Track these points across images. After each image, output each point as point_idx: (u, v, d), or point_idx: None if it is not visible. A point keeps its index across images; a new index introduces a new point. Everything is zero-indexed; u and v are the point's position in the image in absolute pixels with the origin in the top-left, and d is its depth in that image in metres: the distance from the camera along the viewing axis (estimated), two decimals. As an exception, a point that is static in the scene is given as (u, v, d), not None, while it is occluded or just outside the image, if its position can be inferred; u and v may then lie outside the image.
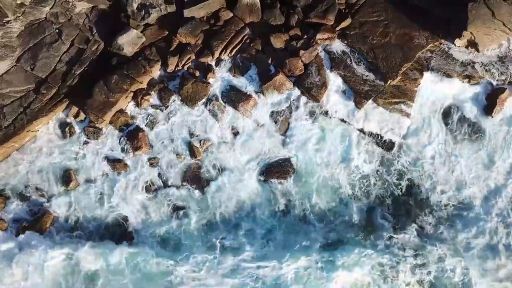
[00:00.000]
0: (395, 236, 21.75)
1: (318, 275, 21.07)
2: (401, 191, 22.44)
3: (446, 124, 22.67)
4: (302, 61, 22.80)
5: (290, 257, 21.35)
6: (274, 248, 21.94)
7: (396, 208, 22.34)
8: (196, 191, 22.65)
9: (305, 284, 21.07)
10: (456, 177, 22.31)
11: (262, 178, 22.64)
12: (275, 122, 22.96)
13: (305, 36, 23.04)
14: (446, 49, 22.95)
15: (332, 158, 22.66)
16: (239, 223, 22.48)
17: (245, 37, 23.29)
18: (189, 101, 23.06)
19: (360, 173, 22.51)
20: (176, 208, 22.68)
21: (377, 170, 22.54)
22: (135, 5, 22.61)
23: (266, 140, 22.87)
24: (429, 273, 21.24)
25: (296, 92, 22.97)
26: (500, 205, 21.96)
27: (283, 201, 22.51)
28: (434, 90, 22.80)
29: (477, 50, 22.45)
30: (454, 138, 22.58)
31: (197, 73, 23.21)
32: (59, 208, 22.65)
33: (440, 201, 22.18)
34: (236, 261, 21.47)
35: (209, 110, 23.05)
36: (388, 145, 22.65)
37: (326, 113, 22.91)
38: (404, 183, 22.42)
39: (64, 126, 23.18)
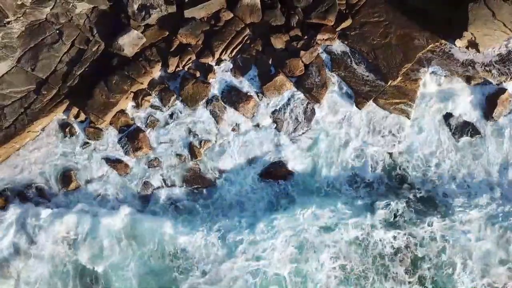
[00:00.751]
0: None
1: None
2: (402, 191, 22.50)
3: (447, 124, 22.68)
4: (302, 61, 22.80)
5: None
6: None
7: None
8: (196, 191, 22.66)
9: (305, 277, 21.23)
10: (457, 177, 22.40)
11: (261, 179, 22.68)
12: (275, 123, 22.98)
13: (306, 37, 23.04)
14: (447, 49, 22.96)
15: (332, 160, 22.71)
16: (240, 220, 22.38)
17: (246, 38, 23.29)
18: (190, 101, 23.07)
19: (362, 180, 22.54)
20: (177, 207, 22.68)
21: (380, 176, 22.59)
22: (135, 6, 22.62)
23: (265, 142, 22.92)
24: (429, 268, 21.35)
25: (297, 93, 22.99)
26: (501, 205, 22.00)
27: (283, 202, 22.54)
28: (435, 90, 22.84)
29: (478, 51, 22.44)
30: (454, 138, 22.60)
31: (198, 74, 23.21)
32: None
33: (441, 201, 22.23)
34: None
35: (209, 110, 23.06)
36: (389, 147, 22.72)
37: (326, 114, 22.96)
38: (406, 185, 22.46)
39: (64, 127, 23.18)
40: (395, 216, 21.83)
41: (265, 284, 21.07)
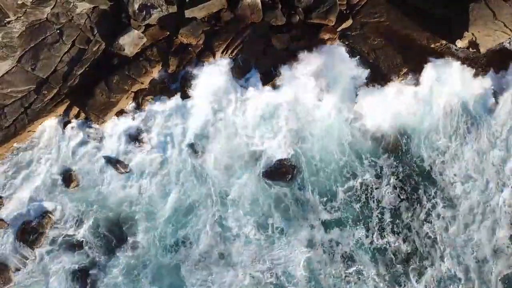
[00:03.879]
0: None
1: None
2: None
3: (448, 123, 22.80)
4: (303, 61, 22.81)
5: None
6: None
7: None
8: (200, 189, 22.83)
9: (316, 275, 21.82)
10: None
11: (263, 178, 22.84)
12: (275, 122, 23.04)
13: (306, 37, 23.02)
14: (447, 50, 22.98)
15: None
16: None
17: (246, 38, 23.27)
18: (190, 100, 23.04)
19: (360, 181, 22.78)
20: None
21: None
22: (136, 6, 22.59)
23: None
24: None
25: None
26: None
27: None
28: (435, 90, 22.84)
29: (479, 51, 22.44)
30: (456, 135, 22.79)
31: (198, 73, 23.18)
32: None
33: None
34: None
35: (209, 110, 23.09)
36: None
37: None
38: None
39: (65, 127, 23.09)
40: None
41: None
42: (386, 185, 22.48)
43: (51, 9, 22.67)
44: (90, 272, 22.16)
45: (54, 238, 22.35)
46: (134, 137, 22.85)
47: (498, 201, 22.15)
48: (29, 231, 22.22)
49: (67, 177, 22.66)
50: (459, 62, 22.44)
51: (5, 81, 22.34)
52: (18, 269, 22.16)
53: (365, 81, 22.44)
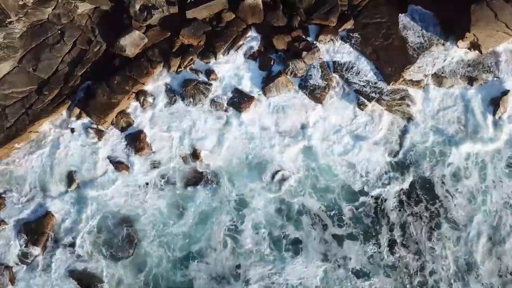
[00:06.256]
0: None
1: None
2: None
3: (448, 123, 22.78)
4: (304, 62, 22.78)
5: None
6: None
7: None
8: (200, 191, 22.78)
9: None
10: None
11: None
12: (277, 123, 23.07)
13: (308, 38, 23.00)
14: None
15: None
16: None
17: (248, 39, 23.25)
18: (192, 102, 23.04)
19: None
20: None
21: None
22: (137, 6, 22.61)
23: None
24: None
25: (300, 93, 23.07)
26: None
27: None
28: (436, 91, 22.82)
29: (480, 52, 22.40)
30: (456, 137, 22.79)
31: (199, 74, 23.18)
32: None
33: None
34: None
35: (211, 111, 23.07)
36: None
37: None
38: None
39: (66, 127, 23.12)
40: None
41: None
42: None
43: (53, 10, 22.72)
44: (90, 272, 22.22)
45: (55, 238, 22.39)
46: (136, 138, 22.86)
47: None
48: (30, 231, 22.26)
49: (69, 178, 22.75)
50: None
51: (6, 81, 22.41)
52: (19, 269, 22.19)
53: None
